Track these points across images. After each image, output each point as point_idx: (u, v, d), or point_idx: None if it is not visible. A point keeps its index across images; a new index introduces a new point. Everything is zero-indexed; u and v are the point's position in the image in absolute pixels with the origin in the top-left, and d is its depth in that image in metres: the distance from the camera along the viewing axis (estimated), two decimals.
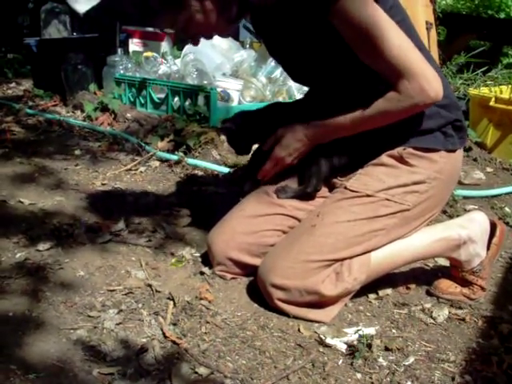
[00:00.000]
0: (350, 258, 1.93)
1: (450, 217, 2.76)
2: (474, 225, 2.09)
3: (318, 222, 1.97)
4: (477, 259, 2.08)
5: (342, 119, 1.91)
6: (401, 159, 1.97)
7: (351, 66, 1.91)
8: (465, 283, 2.10)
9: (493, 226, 2.15)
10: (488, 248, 2.12)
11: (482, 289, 2.10)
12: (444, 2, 7.88)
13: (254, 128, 2.16)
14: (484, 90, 4.15)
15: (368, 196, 1.95)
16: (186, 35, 1.99)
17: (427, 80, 1.78)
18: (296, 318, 1.93)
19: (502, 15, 6.93)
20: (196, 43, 2.02)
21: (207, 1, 1.83)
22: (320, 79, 2.07)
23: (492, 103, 3.85)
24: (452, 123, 1.99)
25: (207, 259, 2.21)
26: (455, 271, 2.13)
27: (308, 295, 1.91)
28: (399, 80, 1.78)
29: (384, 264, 2.00)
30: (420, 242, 2.03)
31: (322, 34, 1.87)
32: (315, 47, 1.94)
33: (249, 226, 2.11)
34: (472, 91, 4.19)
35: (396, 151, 1.98)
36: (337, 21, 1.78)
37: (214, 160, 3.42)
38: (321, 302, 1.94)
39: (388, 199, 1.95)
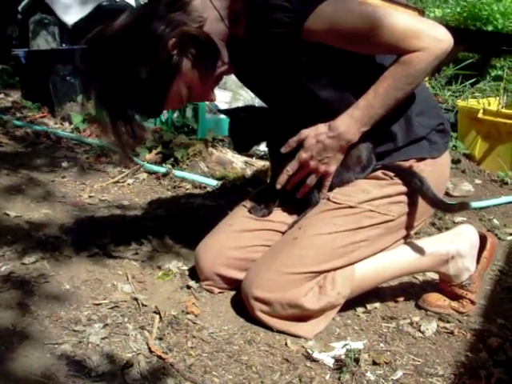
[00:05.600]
0: (333, 270, 1.92)
1: (439, 229, 2.76)
2: (462, 239, 2.08)
3: (299, 235, 1.96)
4: (466, 273, 2.07)
5: (362, 101, 1.85)
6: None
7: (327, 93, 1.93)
8: (454, 297, 2.10)
9: (483, 239, 2.14)
10: (478, 261, 2.10)
11: (472, 302, 2.09)
12: (432, 15, 7.92)
13: (263, 125, 2.09)
14: (472, 102, 4.17)
15: (351, 207, 1.94)
16: (194, 100, 2.04)
17: (431, 28, 1.77)
18: (280, 332, 1.91)
19: (490, 28, 6.97)
20: (212, 99, 2.04)
21: (185, 60, 1.84)
22: (294, 105, 2.05)
23: (480, 115, 3.86)
24: (434, 129, 2.00)
25: (194, 273, 2.19)
26: (444, 285, 2.12)
27: (290, 308, 1.89)
28: (408, 43, 1.76)
29: (369, 278, 1.99)
30: (407, 257, 2.02)
31: (294, 61, 1.88)
32: (288, 77, 1.94)
33: (237, 240, 2.10)
34: (460, 103, 4.21)
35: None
36: (315, 38, 1.80)
37: (202, 172, 3.41)
38: (304, 316, 1.92)
39: (372, 210, 1.94)
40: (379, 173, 1.99)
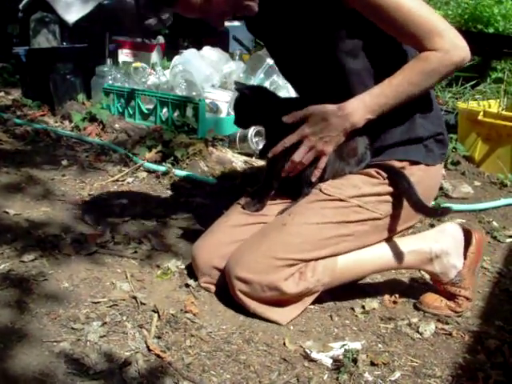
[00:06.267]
0: (316, 259, 1.94)
1: None
2: (445, 237, 2.09)
3: (288, 221, 1.98)
4: (453, 270, 2.08)
5: (376, 89, 1.89)
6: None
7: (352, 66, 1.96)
8: (449, 296, 2.10)
9: (468, 236, 2.14)
10: (465, 258, 2.11)
11: (468, 299, 2.09)
12: None
13: (266, 107, 2.10)
14: (472, 104, 4.17)
15: (340, 200, 1.97)
16: (205, 15, 1.93)
17: (455, 35, 1.83)
18: (255, 314, 1.95)
19: (491, 30, 6.95)
20: (220, 26, 1.98)
21: None
22: (317, 80, 2.07)
23: (480, 117, 3.85)
24: (434, 137, 2.02)
25: (193, 272, 2.19)
26: (437, 284, 2.13)
27: (269, 291, 1.92)
28: (431, 39, 1.80)
29: (350, 270, 2.01)
30: (389, 252, 2.03)
31: (330, 24, 1.90)
32: (319, 43, 1.96)
33: (232, 235, 2.11)
34: (461, 105, 4.21)
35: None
36: (355, 3, 1.83)
37: (202, 171, 3.41)
38: (281, 300, 1.96)
39: (360, 206, 1.96)
40: (372, 171, 2.00)
